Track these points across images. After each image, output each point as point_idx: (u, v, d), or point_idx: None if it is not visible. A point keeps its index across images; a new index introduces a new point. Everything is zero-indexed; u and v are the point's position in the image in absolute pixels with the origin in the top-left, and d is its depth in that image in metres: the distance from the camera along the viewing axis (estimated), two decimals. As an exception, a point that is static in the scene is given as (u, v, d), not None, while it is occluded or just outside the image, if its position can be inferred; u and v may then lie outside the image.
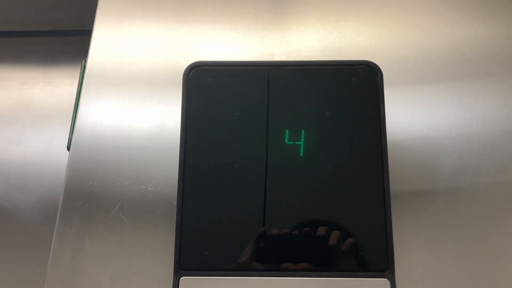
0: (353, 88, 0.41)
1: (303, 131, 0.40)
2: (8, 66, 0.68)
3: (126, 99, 0.47)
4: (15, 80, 0.66)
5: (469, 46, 0.49)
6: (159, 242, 0.41)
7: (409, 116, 0.46)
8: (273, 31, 0.50)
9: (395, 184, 0.41)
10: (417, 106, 0.46)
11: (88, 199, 0.43)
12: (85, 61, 0.49)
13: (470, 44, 0.49)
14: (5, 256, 0.56)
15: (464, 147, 0.45)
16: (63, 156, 0.46)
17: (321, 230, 0.38)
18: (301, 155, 0.40)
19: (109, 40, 0.50)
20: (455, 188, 0.43)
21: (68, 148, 0.46)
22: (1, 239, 0.57)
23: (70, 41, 0.68)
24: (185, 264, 0.37)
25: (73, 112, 0.47)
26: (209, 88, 0.41)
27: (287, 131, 0.40)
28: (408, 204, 0.42)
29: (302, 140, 0.40)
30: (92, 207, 0.42)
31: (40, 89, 0.65)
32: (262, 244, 0.38)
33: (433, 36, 0.49)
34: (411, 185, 0.43)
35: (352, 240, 0.38)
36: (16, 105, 0.64)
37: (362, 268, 0.38)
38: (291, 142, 0.40)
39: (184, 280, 0.37)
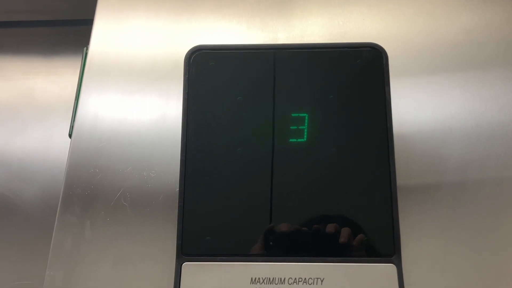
0: (358, 71, 0.40)
1: (306, 115, 0.40)
2: (10, 57, 0.67)
3: (127, 86, 0.46)
4: (17, 70, 0.66)
5: (477, 29, 0.48)
6: (161, 228, 0.40)
7: (415, 102, 0.45)
8: (277, 15, 0.49)
9: (402, 173, 0.40)
10: (424, 91, 0.45)
11: (89, 186, 0.42)
12: (87, 48, 0.48)
13: (477, 27, 0.48)
14: (7, 245, 0.56)
15: (472, 133, 0.44)
16: (65, 146, 0.46)
17: (326, 216, 0.37)
18: (305, 139, 0.39)
19: (110, 28, 0.49)
20: (463, 176, 0.42)
21: (70, 136, 0.45)
22: (3, 229, 0.57)
23: (72, 31, 0.68)
24: (188, 249, 0.37)
25: (75, 99, 0.47)
26: (210, 72, 0.41)
27: (290, 115, 0.40)
28: (415, 192, 0.41)
29: (306, 124, 0.39)
30: (94, 194, 0.42)
31: (43, 79, 0.64)
32: (267, 232, 0.37)
33: (439, 19, 0.48)
34: (418, 174, 0.42)
35: (358, 225, 0.37)
36: (18, 95, 0.64)
37: (368, 254, 0.37)
38: (295, 127, 0.39)
39: (187, 266, 0.36)
